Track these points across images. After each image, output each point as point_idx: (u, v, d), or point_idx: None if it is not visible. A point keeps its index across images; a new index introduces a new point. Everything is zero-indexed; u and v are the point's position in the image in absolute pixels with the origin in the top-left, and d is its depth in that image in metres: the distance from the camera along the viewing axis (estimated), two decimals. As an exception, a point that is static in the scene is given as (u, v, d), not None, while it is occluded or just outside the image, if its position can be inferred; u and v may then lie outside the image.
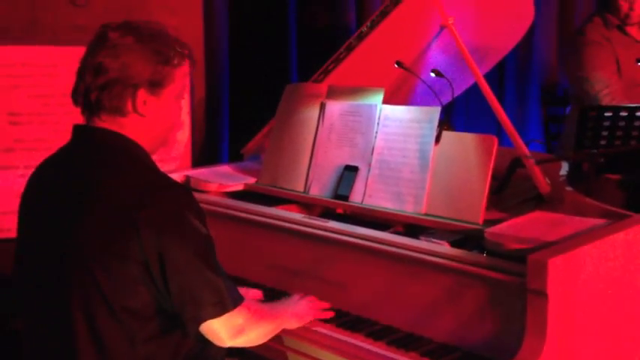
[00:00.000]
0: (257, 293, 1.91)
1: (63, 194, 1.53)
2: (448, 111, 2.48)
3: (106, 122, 1.55)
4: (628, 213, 1.82)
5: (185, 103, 2.84)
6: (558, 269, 1.49)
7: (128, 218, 1.43)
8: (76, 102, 1.58)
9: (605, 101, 3.00)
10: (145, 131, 1.58)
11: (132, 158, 1.55)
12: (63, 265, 1.48)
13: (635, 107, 2.57)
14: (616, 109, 2.58)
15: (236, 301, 1.52)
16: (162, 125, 1.62)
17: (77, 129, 1.60)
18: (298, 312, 1.76)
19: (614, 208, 1.86)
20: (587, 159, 2.21)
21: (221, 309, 1.49)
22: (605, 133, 2.53)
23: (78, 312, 1.46)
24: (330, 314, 1.82)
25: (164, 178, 1.55)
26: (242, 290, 1.72)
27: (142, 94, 1.54)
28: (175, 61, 1.58)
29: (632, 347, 1.77)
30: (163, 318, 1.50)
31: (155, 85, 1.55)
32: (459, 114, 3.91)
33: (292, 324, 1.74)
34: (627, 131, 2.55)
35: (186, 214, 1.48)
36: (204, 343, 1.55)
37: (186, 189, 1.59)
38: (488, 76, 2.32)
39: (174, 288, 1.46)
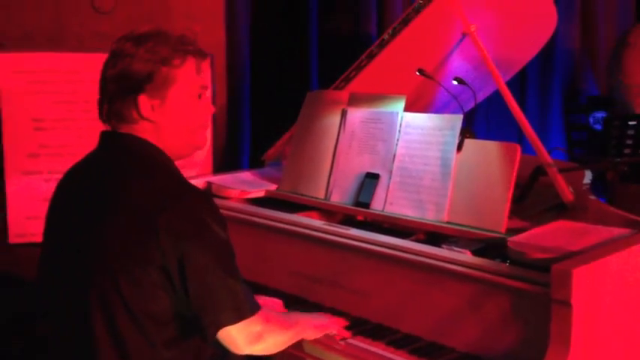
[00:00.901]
0: (278, 302, 1.91)
1: (87, 198, 1.55)
2: (470, 119, 2.47)
3: (125, 130, 1.56)
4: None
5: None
6: (583, 279, 1.48)
7: (148, 223, 1.44)
8: (100, 116, 1.60)
9: None
10: (163, 136, 1.57)
11: (153, 163, 1.56)
12: (84, 267, 1.49)
13: None
14: (640, 118, 2.56)
15: (253, 309, 1.52)
16: (181, 128, 1.59)
17: (103, 135, 1.62)
18: (317, 323, 1.76)
19: (638, 218, 1.84)
20: (610, 167, 2.19)
21: (238, 316, 1.49)
22: (629, 142, 2.51)
23: (97, 313, 1.46)
24: (348, 333, 1.79)
25: (184, 183, 1.55)
26: (262, 299, 1.73)
27: (143, 100, 1.52)
28: (176, 61, 1.53)
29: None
30: (181, 323, 1.50)
31: (155, 89, 1.52)
32: (480, 121, 3.89)
33: (311, 334, 1.73)
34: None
35: (206, 219, 1.49)
36: (225, 349, 1.55)
37: (206, 194, 1.59)
38: (510, 84, 2.30)
39: (194, 293, 1.46)
